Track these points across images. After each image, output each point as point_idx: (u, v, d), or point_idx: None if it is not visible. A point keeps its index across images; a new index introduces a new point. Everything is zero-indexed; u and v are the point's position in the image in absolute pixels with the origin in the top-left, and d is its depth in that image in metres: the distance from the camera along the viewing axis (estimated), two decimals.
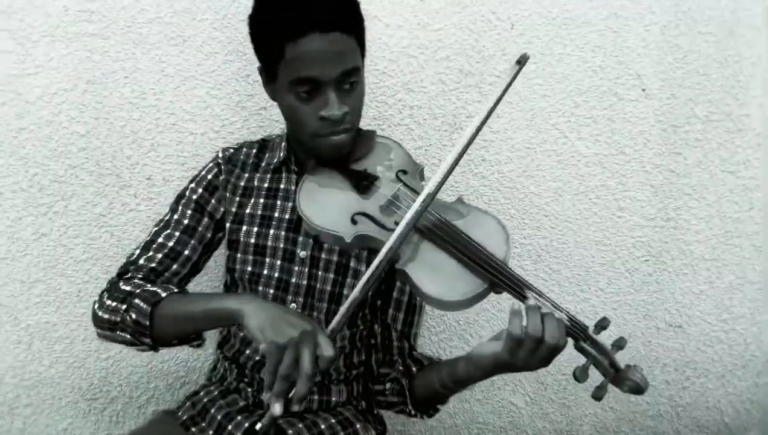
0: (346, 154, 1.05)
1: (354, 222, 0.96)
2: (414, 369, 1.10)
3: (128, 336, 1.02)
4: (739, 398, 1.70)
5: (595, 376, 0.91)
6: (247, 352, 1.14)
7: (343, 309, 0.87)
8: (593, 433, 1.68)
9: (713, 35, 1.50)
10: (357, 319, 1.15)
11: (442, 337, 1.58)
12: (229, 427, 1.08)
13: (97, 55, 1.34)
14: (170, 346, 1.04)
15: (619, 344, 0.89)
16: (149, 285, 1.03)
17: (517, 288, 0.87)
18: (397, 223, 0.92)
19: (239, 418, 1.10)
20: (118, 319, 1.01)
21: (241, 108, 1.41)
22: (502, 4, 1.44)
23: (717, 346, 1.66)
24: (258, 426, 0.86)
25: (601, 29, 1.48)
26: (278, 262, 1.11)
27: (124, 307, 1.00)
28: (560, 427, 1.66)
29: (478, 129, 0.94)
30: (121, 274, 1.11)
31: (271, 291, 1.11)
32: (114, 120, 1.38)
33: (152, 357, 1.49)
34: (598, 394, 0.88)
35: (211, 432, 1.10)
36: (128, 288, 1.03)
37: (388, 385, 1.13)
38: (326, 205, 1.00)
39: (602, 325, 0.89)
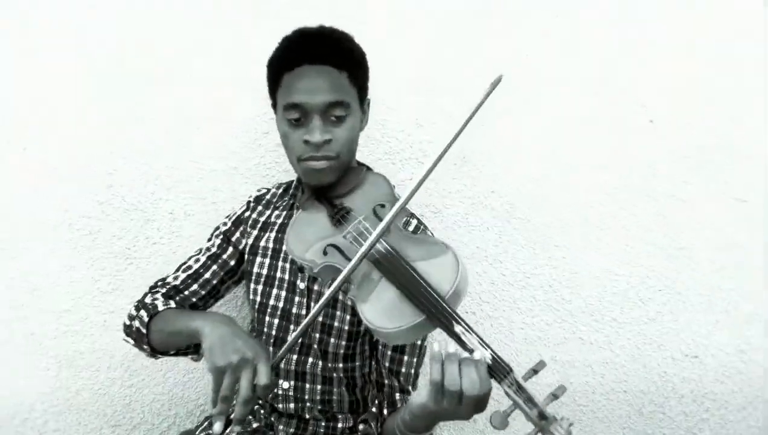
0: (330, 187, 1.12)
1: (325, 253, 1.01)
2: (385, 412, 1.14)
3: (133, 342, 1.17)
4: (763, 432, 1.67)
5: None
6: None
7: (290, 337, 0.92)
8: None
9: (720, 64, 1.52)
10: (354, 353, 1.17)
11: None
12: None
13: (123, 98, 1.43)
14: (168, 355, 1.17)
15: (556, 393, 0.83)
16: (160, 300, 1.15)
17: (447, 322, 0.84)
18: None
19: None
20: (130, 325, 1.16)
21: (258, 145, 1.48)
22: (508, 37, 1.49)
23: (736, 378, 1.63)
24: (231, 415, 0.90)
25: (607, 60, 1.51)
26: (282, 293, 1.17)
27: (134, 314, 1.15)
28: None
29: (437, 160, 1.00)
30: (151, 288, 1.24)
31: (276, 321, 1.17)
32: (138, 158, 1.46)
33: (173, 385, 1.55)
34: None
35: None
36: (146, 300, 1.17)
37: (360, 426, 1.18)
38: (305, 236, 1.06)
39: (536, 369, 0.84)
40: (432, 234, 1.17)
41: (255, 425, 1.20)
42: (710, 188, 1.56)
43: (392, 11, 1.46)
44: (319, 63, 1.06)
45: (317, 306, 0.91)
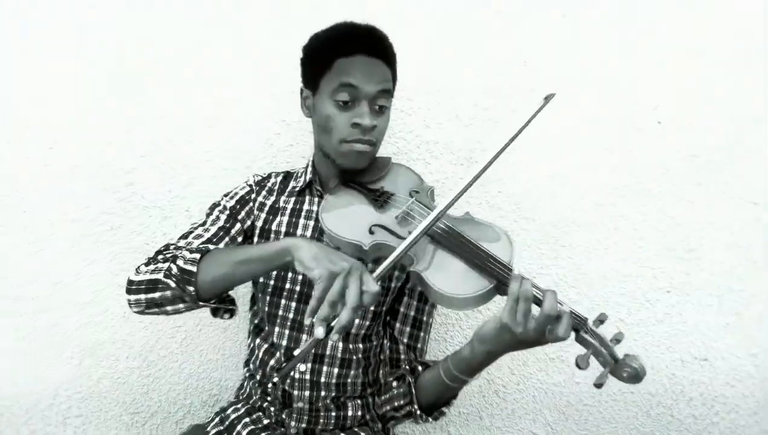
0: (362, 174, 1.20)
1: (371, 232, 1.08)
2: (420, 368, 1.19)
3: (169, 292, 1.07)
4: None
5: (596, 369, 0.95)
6: (272, 362, 1.21)
7: (387, 262, 0.95)
8: None
9: (728, 65, 1.51)
10: (372, 333, 1.23)
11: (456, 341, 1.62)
12: None
13: (141, 100, 1.50)
14: (210, 301, 1.09)
15: (618, 338, 0.96)
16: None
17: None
18: (410, 233, 1.01)
19: None
20: (160, 275, 1.07)
21: (270, 145, 1.53)
22: (515, 41, 1.51)
23: (747, 381, 1.62)
24: (296, 352, 0.95)
25: (616, 62, 1.52)
26: (299, 277, 1.20)
27: (168, 263, 1.08)
28: None
29: (497, 156, 1.09)
30: (160, 251, 1.19)
31: (293, 304, 1.20)
32: (156, 157, 1.52)
33: (189, 376, 1.61)
34: (599, 382, 0.92)
35: None
36: (172, 252, 1.13)
37: (394, 383, 1.21)
38: (346, 218, 1.12)
39: (600, 319, 0.98)
40: None
41: (266, 422, 1.22)
42: (720, 189, 1.55)
43: (396, 11, 1.50)
44: (374, 56, 1.15)
45: (400, 248, 0.95)
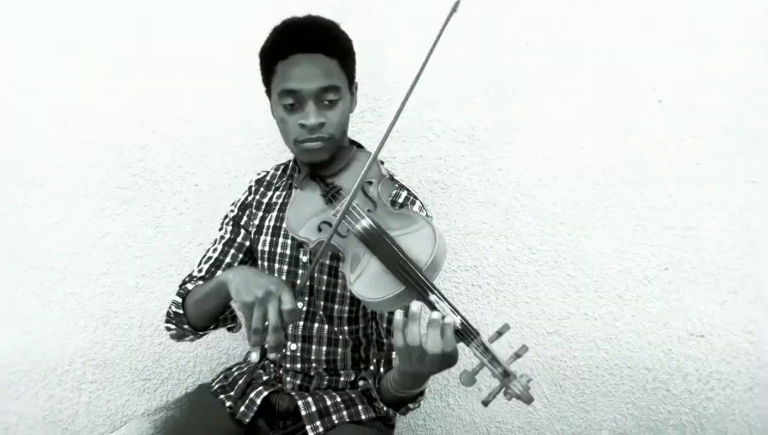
0: (324, 165, 1.20)
1: (319, 229, 1.10)
2: (382, 370, 1.22)
3: (174, 327, 1.25)
4: None
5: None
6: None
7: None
8: None
9: (731, 46, 1.52)
10: (357, 316, 1.27)
11: None
12: (252, 395, 1.24)
13: (153, 80, 1.56)
14: (208, 329, 1.25)
15: (518, 353, 0.92)
16: (191, 286, 1.25)
17: (422, 292, 0.93)
18: (348, 231, 1.06)
19: (260, 388, 1.25)
20: (167, 317, 1.26)
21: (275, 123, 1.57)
22: (516, 20, 1.53)
23: (743, 358, 1.64)
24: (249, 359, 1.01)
25: (617, 41, 1.54)
26: (285, 268, 1.25)
27: (170, 307, 1.25)
28: (578, 431, 1.70)
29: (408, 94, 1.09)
30: (180, 286, 1.32)
31: (285, 267, 1.26)
32: (167, 134, 1.58)
33: (198, 344, 1.67)
34: (486, 399, 0.91)
35: (237, 399, 1.25)
36: (177, 295, 1.27)
37: (360, 383, 1.26)
38: (302, 214, 1.14)
39: (500, 331, 0.93)
40: (422, 204, 1.25)
41: (265, 378, 1.30)
42: (719, 169, 1.57)
43: None
44: (311, 51, 1.13)
45: (314, 262, 1.05)
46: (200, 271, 1.32)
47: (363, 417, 1.22)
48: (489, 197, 1.60)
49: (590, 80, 1.56)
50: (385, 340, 1.26)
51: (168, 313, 1.26)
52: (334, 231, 1.03)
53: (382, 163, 1.18)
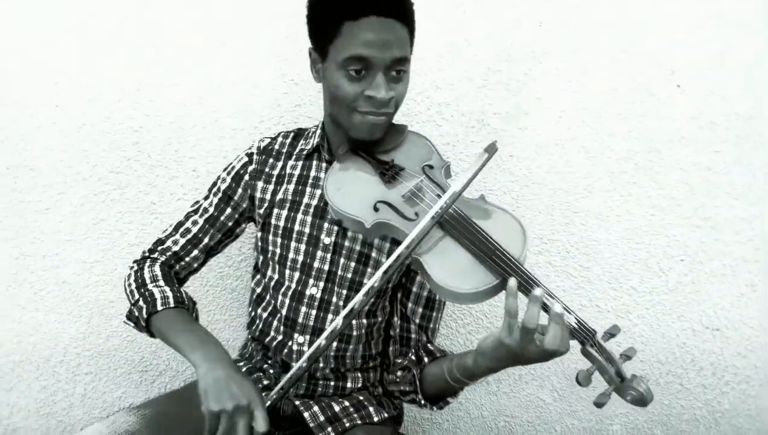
0: (375, 143, 1.10)
1: (376, 209, 1.00)
2: (426, 360, 1.15)
3: (134, 325, 1.16)
4: None
5: (601, 383, 0.90)
6: (272, 333, 1.21)
7: (359, 295, 0.95)
8: (624, 433, 1.66)
9: (751, 29, 1.45)
10: (377, 309, 1.20)
11: (470, 329, 1.62)
12: None
13: (148, 60, 1.48)
14: None
15: (628, 354, 0.89)
16: (160, 281, 1.16)
17: (528, 286, 0.86)
18: (417, 214, 0.98)
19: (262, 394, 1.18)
20: (130, 310, 1.15)
21: (277, 105, 1.50)
22: (530, 4, 1.46)
23: (760, 352, 1.59)
24: None
25: (633, 25, 1.46)
26: (302, 247, 1.16)
27: (135, 298, 1.15)
28: (589, 425, 1.66)
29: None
30: (151, 251, 1.24)
31: (297, 274, 1.17)
32: (163, 117, 1.51)
33: None
34: (600, 401, 0.86)
35: None
36: (147, 275, 1.18)
37: (399, 373, 1.19)
38: (351, 191, 1.05)
39: (612, 332, 0.90)
40: None
41: (265, 382, 1.22)
42: (738, 157, 1.50)
43: None
44: (386, 15, 1.00)
45: (384, 267, 0.93)
46: (176, 242, 1.23)
47: (375, 419, 1.17)
48: (499, 185, 1.54)
49: (606, 63, 1.48)
50: (413, 335, 1.20)
51: (130, 311, 1.14)
52: (442, 214, 0.94)
53: (436, 147, 1.14)
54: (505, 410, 1.66)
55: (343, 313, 0.99)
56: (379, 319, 1.21)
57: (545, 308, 0.85)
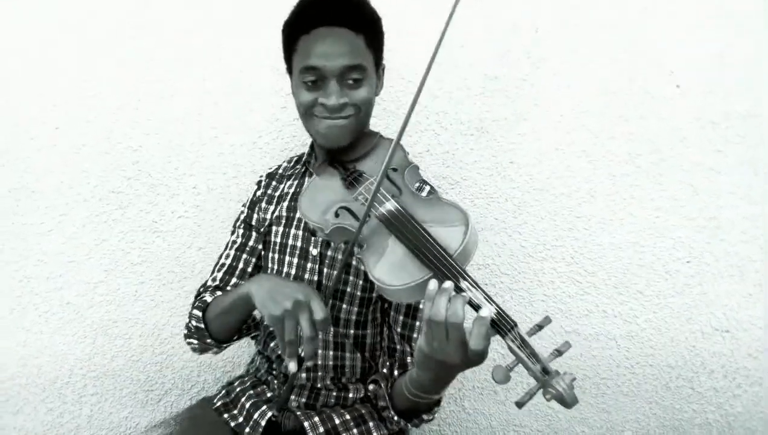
0: (347, 151, 1.12)
1: (336, 215, 1.01)
2: (396, 373, 1.13)
3: (197, 342, 1.22)
4: None
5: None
6: (272, 344, 1.23)
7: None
8: None
9: (750, 29, 1.44)
10: (365, 320, 1.19)
11: None
12: (256, 416, 1.16)
13: (146, 79, 1.48)
14: (232, 341, 1.24)
15: (561, 350, 0.81)
16: (208, 297, 1.21)
17: (453, 279, 0.82)
18: (371, 215, 0.96)
19: (264, 407, 1.17)
20: (189, 327, 1.22)
21: (276, 120, 1.51)
22: (526, 8, 1.46)
23: None
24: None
25: (631, 26, 1.46)
26: (295, 260, 1.19)
27: (189, 321, 1.22)
28: (599, 432, 1.63)
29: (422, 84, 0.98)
30: (197, 296, 1.28)
31: (295, 260, 1.19)
32: (162, 135, 1.51)
33: None
34: (521, 400, 0.78)
35: (240, 419, 1.19)
36: (196, 304, 1.24)
37: (371, 387, 1.17)
38: (319, 199, 1.06)
39: (540, 324, 0.82)
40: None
41: (269, 395, 1.22)
42: (741, 157, 1.49)
43: None
44: (337, 25, 1.05)
45: (337, 271, 0.99)
46: (214, 279, 1.28)
47: (374, 434, 1.16)
48: (500, 192, 1.53)
49: (604, 66, 1.48)
50: (398, 346, 1.17)
51: (188, 328, 1.22)
52: (367, 213, 0.93)
53: (407, 153, 1.11)
54: (514, 420, 1.64)
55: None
56: (369, 331, 1.20)
57: (474, 307, 0.81)
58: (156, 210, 1.54)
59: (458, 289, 0.82)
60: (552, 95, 1.49)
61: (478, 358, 0.80)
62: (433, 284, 0.82)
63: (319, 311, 0.91)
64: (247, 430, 1.16)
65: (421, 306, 1.13)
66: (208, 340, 1.19)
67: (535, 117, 1.50)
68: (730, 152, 1.50)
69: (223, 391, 1.28)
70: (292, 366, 0.93)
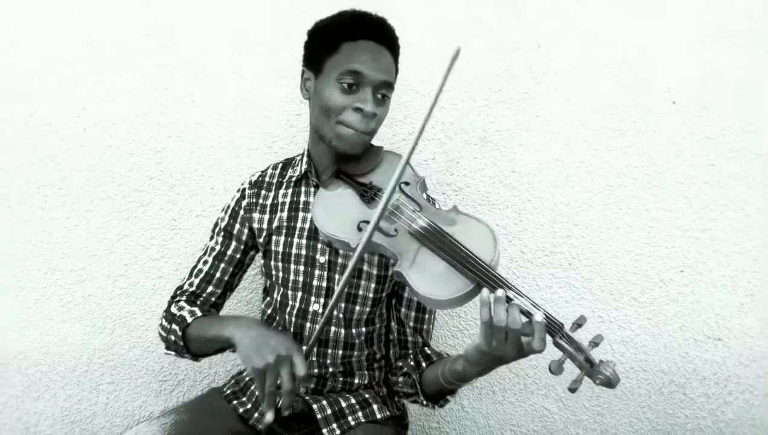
0: (354, 164, 1.20)
1: (359, 229, 1.08)
2: (423, 364, 1.23)
3: (173, 353, 1.27)
4: None
5: (573, 371, 0.95)
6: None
7: (326, 313, 1.02)
8: None
9: (744, 46, 1.51)
10: (374, 317, 1.28)
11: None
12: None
13: (169, 84, 1.59)
14: (209, 355, 1.26)
15: (596, 341, 0.96)
16: (186, 308, 1.25)
17: (500, 288, 0.93)
18: (396, 230, 1.06)
19: None
20: (167, 338, 1.26)
21: (290, 126, 1.59)
22: (529, 24, 1.54)
23: (762, 362, 1.62)
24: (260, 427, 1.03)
25: (629, 43, 1.54)
26: (301, 268, 1.25)
27: (168, 328, 1.25)
28: (594, 434, 1.69)
29: (426, 120, 1.04)
30: (173, 297, 1.34)
31: (299, 294, 1.25)
32: (183, 138, 1.61)
33: None
34: (572, 386, 0.93)
35: (249, 405, 1.27)
36: (173, 311, 1.27)
37: (401, 379, 1.27)
38: (336, 214, 1.13)
39: (578, 323, 0.97)
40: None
41: (278, 382, 1.30)
42: (734, 170, 1.55)
43: None
44: (381, 43, 1.16)
45: (345, 276, 1.00)
46: (191, 284, 1.33)
47: (378, 416, 1.23)
48: (502, 200, 1.60)
49: (603, 81, 1.56)
50: (410, 338, 1.29)
51: (167, 340, 1.25)
52: (373, 226, 1.00)
53: (413, 167, 1.20)
54: (511, 419, 1.69)
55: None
56: (377, 325, 1.30)
57: (526, 314, 0.92)
58: (175, 208, 1.63)
59: (507, 298, 0.94)
60: (552, 108, 1.57)
61: (534, 353, 0.94)
62: (485, 292, 0.93)
63: (301, 367, 0.99)
64: (256, 415, 1.24)
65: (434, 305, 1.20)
66: (186, 355, 1.24)
67: (536, 129, 1.58)
68: (724, 166, 1.56)
69: (233, 380, 1.36)
70: (269, 417, 0.98)
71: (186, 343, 1.21)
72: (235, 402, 1.28)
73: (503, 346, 0.94)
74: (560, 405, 1.68)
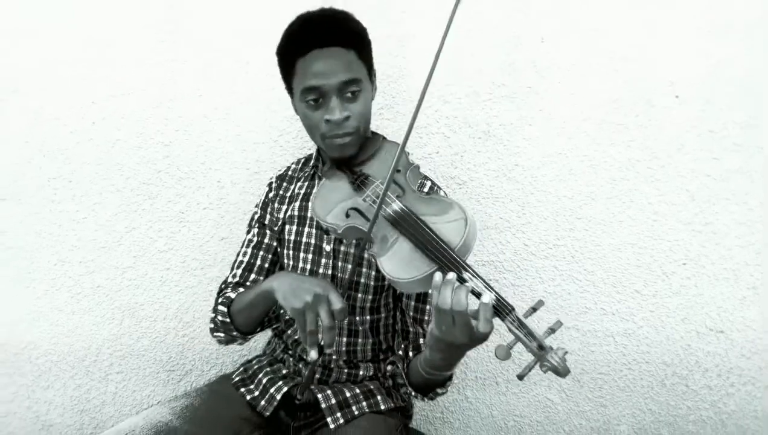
0: (352, 156, 1.22)
1: (347, 216, 1.12)
2: (411, 354, 1.24)
3: (223, 335, 1.30)
4: None
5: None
6: (289, 331, 1.35)
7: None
8: (630, 434, 1.70)
9: (747, 41, 1.52)
10: (379, 306, 1.29)
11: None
12: (272, 390, 1.27)
13: (177, 79, 1.61)
14: (255, 332, 1.32)
15: (553, 328, 0.93)
16: (231, 293, 1.30)
17: (456, 271, 0.93)
18: (379, 215, 1.07)
19: (281, 383, 1.28)
20: (213, 325, 1.31)
21: (295, 120, 1.61)
22: (532, 19, 1.55)
23: (764, 354, 1.63)
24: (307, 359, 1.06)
25: (632, 39, 1.54)
26: (309, 256, 1.28)
27: (217, 310, 1.30)
28: (597, 425, 1.70)
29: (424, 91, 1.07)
30: (219, 293, 1.38)
31: (310, 256, 1.29)
32: (191, 132, 1.63)
33: None
34: (521, 373, 0.92)
35: (256, 393, 1.29)
36: (220, 301, 1.32)
37: (389, 368, 1.29)
38: (329, 201, 1.17)
39: (534, 307, 0.95)
40: (446, 194, 1.27)
41: (284, 371, 1.33)
42: (737, 164, 1.56)
43: None
44: (328, 45, 1.14)
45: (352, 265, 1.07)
46: (234, 276, 1.37)
47: (382, 407, 1.25)
48: (505, 193, 1.62)
49: (606, 76, 1.56)
50: (411, 329, 1.29)
51: (215, 322, 1.30)
52: (377, 215, 1.04)
53: (409, 154, 1.21)
54: (514, 410, 1.71)
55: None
56: (383, 314, 1.31)
57: (476, 294, 0.91)
58: (183, 201, 1.66)
59: (461, 280, 0.93)
60: (556, 103, 1.58)
61: (483, 338, 0.92)
62: (438, 276, 0.93)
63: (337, 302, 1.02)
64: (262, 402, 1.26)
65: (430, 292, 1.22)
66: (234, 333, 1.27)
67: (539, 122, 1.59)
68: (727, 160, 1.57)
69: (241, 368, 1.39)
70: (313, 354, 1.02)
71: (232, 318, 1.25)
72: (243, 389, 1.31)
73: (452, 330, 0.92)
74: (563, 396, 1.69)
